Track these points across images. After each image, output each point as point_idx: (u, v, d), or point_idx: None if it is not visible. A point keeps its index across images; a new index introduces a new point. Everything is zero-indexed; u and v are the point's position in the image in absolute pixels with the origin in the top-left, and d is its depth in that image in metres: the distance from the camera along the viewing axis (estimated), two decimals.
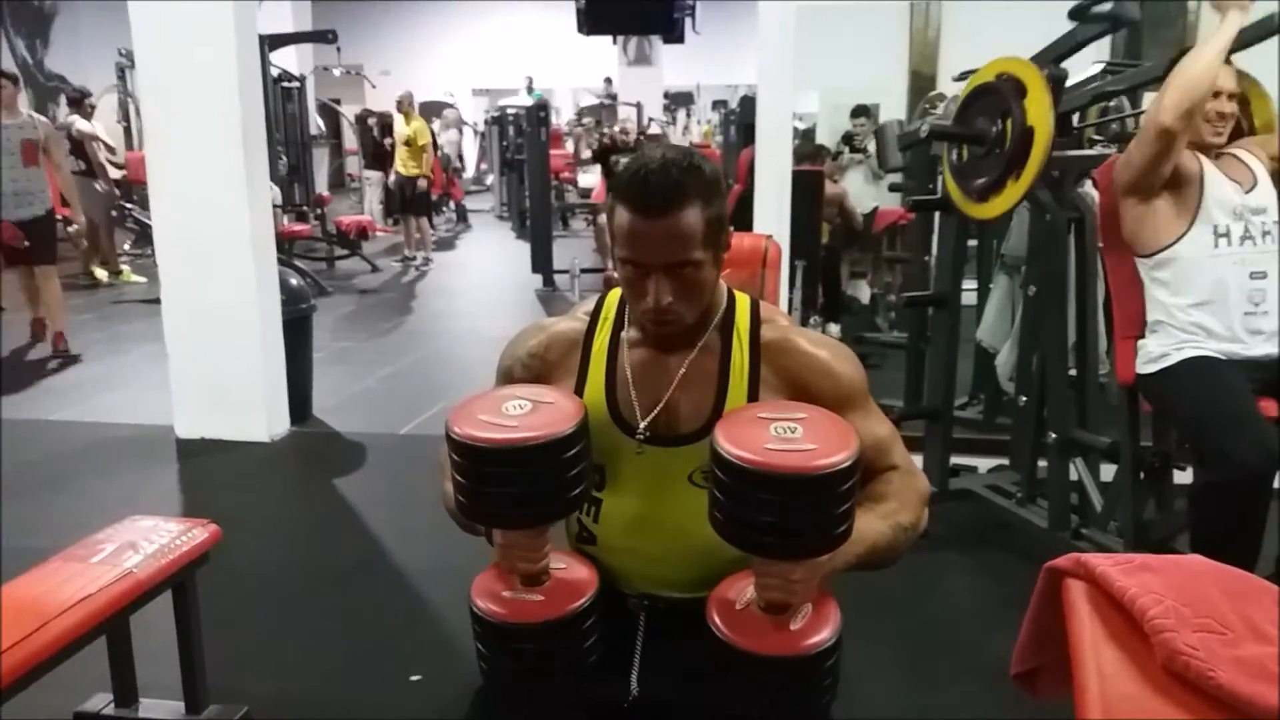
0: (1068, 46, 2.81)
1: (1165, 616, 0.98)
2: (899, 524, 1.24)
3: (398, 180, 9.27)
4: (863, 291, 6.15)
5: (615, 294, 1.39)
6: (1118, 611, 1.03)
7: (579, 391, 1.34)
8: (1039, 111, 2.53)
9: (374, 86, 13.09)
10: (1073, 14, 2.71)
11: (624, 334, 1.36)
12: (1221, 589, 1.05)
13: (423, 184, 9.09)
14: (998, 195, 2.70)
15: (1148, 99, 3.59)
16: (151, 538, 1.91)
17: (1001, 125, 2.65)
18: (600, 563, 1.35)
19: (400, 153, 9.14)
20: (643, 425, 1.30)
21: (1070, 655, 1.02)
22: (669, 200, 1.19)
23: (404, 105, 9.28)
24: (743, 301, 1.36)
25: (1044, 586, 1.14)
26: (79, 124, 7.95)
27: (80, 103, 8.17)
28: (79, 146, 7.93)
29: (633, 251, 1.22)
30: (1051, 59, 2.77)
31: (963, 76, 3.13)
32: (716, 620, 1.13)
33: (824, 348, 1.33)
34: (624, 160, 1.34)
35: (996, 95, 2.66)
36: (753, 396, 1.29)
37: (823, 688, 1.13)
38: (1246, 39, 2.46)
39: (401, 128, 9.20)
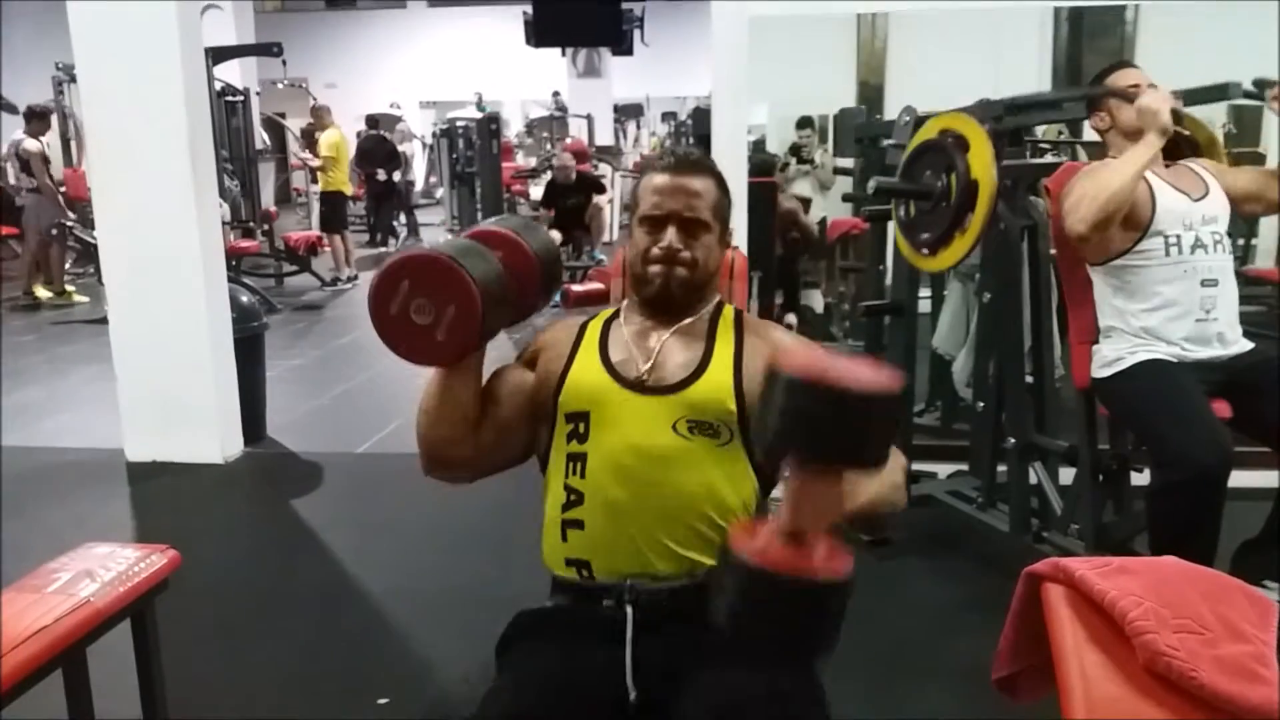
0: (1005, 113, 2.86)
1: (1146, 618, 0.99)
2: (893, 483, 1.27)
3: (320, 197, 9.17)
4: (816, 301, 6.19)
5: (604, 313, 1.58)
6: (1098, 614, 1.05)
7: (569, 361, 1.47)
8: (982, 165, 2.58)
9: (315, 99, 12.92)
10: (1009, 109, 2.80)
11: (621, 316, 1.53)
12: (1197, 590, 1.07)
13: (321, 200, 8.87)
14: (946, 249, 2.75)
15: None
16: (108, 565, 1.85)
17: (946, 180, 2.70)
18: (585, 541, 1.38)
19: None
20: (644, 368, 1.43)
21: (1053, 659, 1.03)
22: (692, 164, 1.50)
23: (320, 117, 9.16)
24: (731, 307, 1.56)
25: (1023, 591, 1.15)
26: (26, 143, 7.79)
27: (34, 119, 7.95)
28: (27, 165, 7.78)
29: (656, 203, 1.47)
30: (993, 116, 2.82)
31: (909, 117, 3.17)
32: (737, 548, 1.13)
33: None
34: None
35: (940, 151, 2.71)
36: (737, 356, 1.43)
37: (834, 620, 1.13)
38: (1197, 100, 2.54)
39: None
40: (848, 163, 5.68)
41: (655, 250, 1.46)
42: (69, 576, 1.80)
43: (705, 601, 1.25)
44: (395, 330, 1.35)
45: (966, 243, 2.66)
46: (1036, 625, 1.11)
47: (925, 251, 2.82)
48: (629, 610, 1.34)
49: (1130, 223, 2.39)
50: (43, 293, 8.04)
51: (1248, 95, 2.77)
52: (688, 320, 1.49)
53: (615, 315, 1.55)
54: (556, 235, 8.07)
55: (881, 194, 2.86)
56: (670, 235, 1.45)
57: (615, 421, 1.40)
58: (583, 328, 1.54)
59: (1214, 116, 3.12)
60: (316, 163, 8.99)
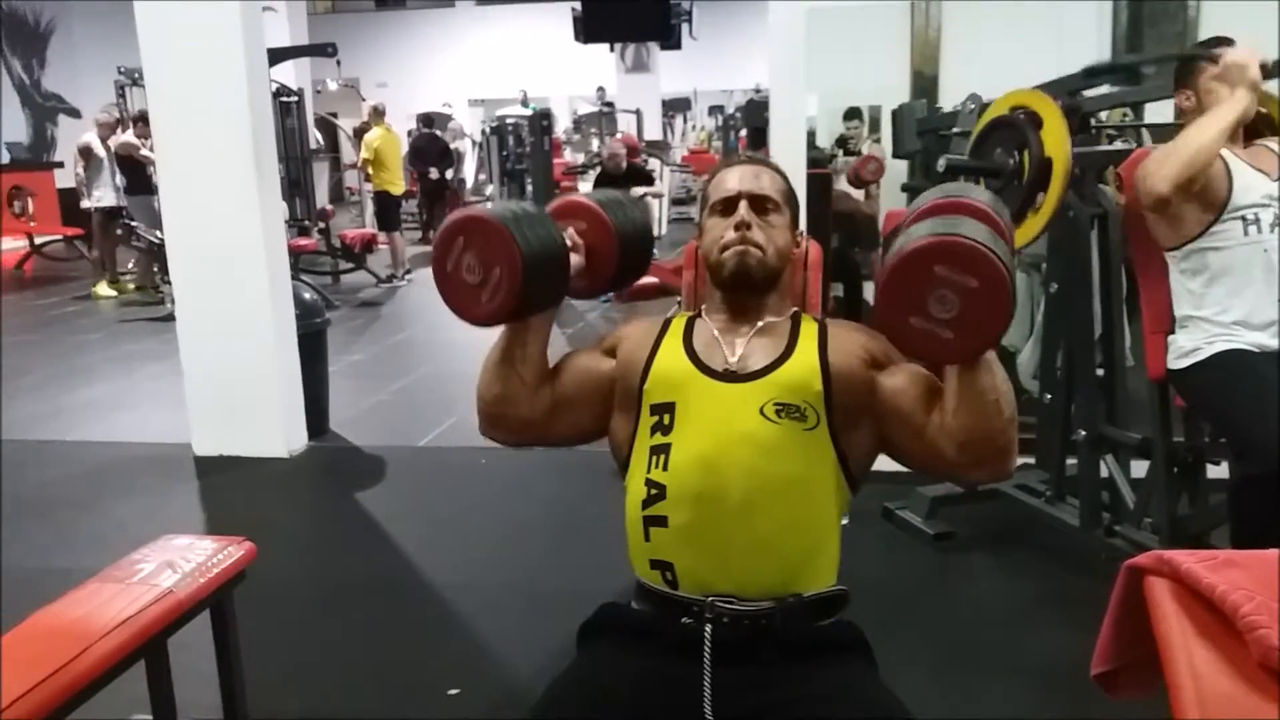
0: (1080, 83, 2.80)
1: (1258, 613, 0.96)
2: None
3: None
4: (870, 293, 6.13)
5: (686, 312, 1.60)
6: (1205, 609, 1.01)
7: (654, 351, 1.47)
8: (1056, 142, 2.52)
9: (364, 99, 13.06)
10: (1088, 74, 2.72)
11: (704, 315, 1.54)
12: None
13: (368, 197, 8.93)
14: (1018, 227, 2.69)
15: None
16: (188, 556, 1.88)
17: (1019, 157, 2.64)
18: (668, 539, 1.34)
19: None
20: (731, 359, 1.43)
21: (1160, 654, 1.00)
22: (759, 160, 1.58)
23: (370, 117, 9.22)
24: (810, 316, 1.56)
25: (1124, 585, 1.12)
26: (121, 136, 7.88)
27: (139, 122, 7.96)
28: (124, 161, 7.87)
29: (725, 188, 1.52)
30: (1065, 91, 2.76)
31: (974, 105, 3.12)
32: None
33: None
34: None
35: (1013, 128, 2.65)
36: (822, 341, 1.44)
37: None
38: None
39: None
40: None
41: (730, 233, 1.47)
42: (151, 567, 1.83)
43: (788, 634, 1.31)
44: (449, 286, 1.38)
45: (1040, 221, 2.59)
46: (1138, 620, 1.08)
47: None
48: (708, 629, 1.30)
49: (1206, 202, 2.32)
50: (107, 291, 8.23)
51: None
52: (770, 320, 1.49)
53: (698, 314, 1.55)
54: None
55: (951, 172, 2.80)
56: (743, 209, 1.48)
57: (700, 411, 1.37)
58: (666, 323, 1.54)
59: None
60: (374, 152, 9.08)
